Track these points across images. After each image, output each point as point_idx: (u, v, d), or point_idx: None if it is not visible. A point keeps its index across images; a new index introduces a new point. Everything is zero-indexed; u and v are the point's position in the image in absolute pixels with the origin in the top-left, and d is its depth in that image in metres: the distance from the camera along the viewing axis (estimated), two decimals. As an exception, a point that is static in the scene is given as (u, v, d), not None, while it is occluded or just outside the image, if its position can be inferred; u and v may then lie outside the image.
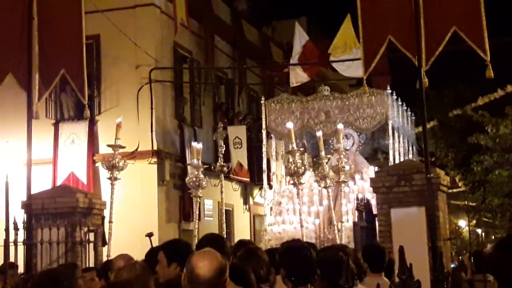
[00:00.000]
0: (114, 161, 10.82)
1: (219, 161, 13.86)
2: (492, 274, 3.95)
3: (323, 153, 12.33)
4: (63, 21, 9.77)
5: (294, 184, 11.95)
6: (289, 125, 12.41)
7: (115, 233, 13.36)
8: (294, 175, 11.63)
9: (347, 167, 11.77)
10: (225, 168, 13.53)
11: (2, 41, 9.72)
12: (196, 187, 12.13)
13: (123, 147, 11.14)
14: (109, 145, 11.14)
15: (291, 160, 11.93)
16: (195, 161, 12.01)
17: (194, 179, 11.88)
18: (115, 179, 10.88)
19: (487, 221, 23.76)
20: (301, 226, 12.50)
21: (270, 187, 17.20)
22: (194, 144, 12.38)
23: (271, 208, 16.60)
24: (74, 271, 7.75)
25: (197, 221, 12.36)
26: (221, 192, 13.90)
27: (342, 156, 11.85)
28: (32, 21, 9.58)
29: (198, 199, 12.33)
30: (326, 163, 12.60)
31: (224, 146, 14.21)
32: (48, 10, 9.68)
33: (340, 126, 12.31)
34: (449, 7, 8.90)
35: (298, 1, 29.99)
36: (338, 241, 12.49)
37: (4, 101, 15.88)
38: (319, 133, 12.48)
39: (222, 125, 14.99)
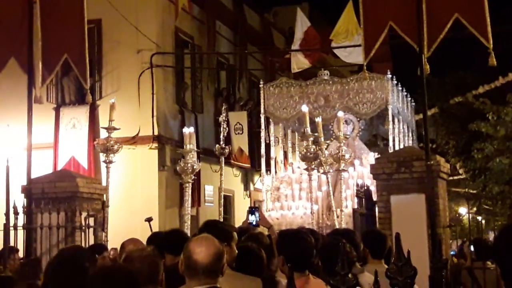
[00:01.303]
0: (108, 144, 10.67)
1: (221, 143, 13.69)
2: (495, 261, 3.97)
3: (322, 139, 12.22)
4: (65, 5, 9.78)
5: (307, 169, 11.72)
6: (304, 108, 12.23)
7: (116, 218, 13.42)
8: (306, 160, 11.48)
9: (347, 155, 11.71)
10: (226, 151, 13.39)
11: (4, 26, 9.72)
12: (187, 172, 11.98)
13: (118, 129, 11.05)
14: (103, 127, 11.06)
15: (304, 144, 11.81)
16: (188, 146, 11.87)
17: (182, 164, 11.75)
18: (110, 162, 10.78)
19: (488, 208, 23.71)
20: (312, 213, 12.43)
21: (269, 172, 17.20)
22: (185, 129, 12.21)
23: (270, 194, 16.61)
24: (103, 251, 7.83)
25: (188, 208, 12.24)
26: (221, 175, 13.84)
27: (342, 144, 11.78)
28: (34, 5, 9.58)
29: (187, 185, 12.17)
30: (326, 148, 12.53)
31: (227, 128, 14.08)
32: (50, -6, 9.67)
33: (340, 113, 12.27)
34: (451, -7, 8.89)
35: (300, -13, 29.82)
36: (336, 227, 12.47)
37: (5, 85, 15.86)
38: (318, 119, 12.40)
39: (226, 106, 14.85)
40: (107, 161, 10.75)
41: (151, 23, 17.19)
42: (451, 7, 8.81)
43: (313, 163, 11.54)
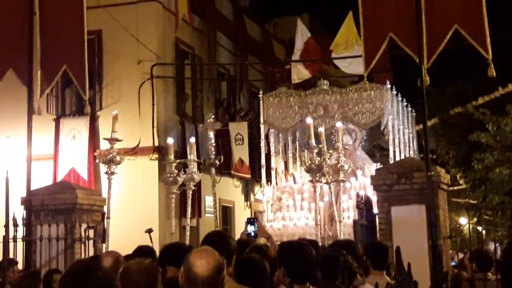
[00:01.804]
0: (111, 155, 10.63)
1: (211, 155, 13.40)
2: (501, 274, 3.96)
3: (325, 149, 12.17)
4: (65, 16, 9.77)
5: (311, 181, 11.69)
6: (309, 120, 12.20)
7: (116, 229, 13.38)
8: (311, 172, 11.43)
9: (346, 166, 11.68)
10: (216, 161, 13.28)
11: (3, 36, 9.72)
12: (171, 183, 11.93)
13: (120, 140, 11.03)
14: (105, 139, 11.03)
15: (309, 156, 11.76)
16: (172, 157, 11.84)
17: (168, 175, 11.72)
18: (112, 173, 10.75)
19: (488, 219, 23.68)
20: (317, 224, 12.39)
21: (270, 183, 17.16)
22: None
23: (271, 205, 16.57)
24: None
25: (173, 218, 12.22)
26: (213, 186, 13.74)
27: (341, 154, 11.75)
28: (34, 16, 9.58)
29: (174, 196, 12.11)
30: (329, 158, 12.46)
31: (213, 138, 13.84)
32: (50, 5, 9.68)
33: (339, 124, 12.23)
34: (451, 4, 8.91)
35: (301, -2, 29.97)
36: (338, 238, 12.45)
37: (4, 96, 15.86)
38: (321, 129, 12.34)
39: (212, 115, 14.71)
40: (109, 172, 10.71)
41: (151, 34, 17.21)
42: (451, 18, 8.82)
43: (317, 174, 11.53)
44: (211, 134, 13.31)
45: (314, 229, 14.87)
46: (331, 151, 13.49)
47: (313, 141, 11.50)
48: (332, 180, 12.35)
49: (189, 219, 13.42)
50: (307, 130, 12.30)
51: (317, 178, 11.53)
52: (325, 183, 12.62)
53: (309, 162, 11.42)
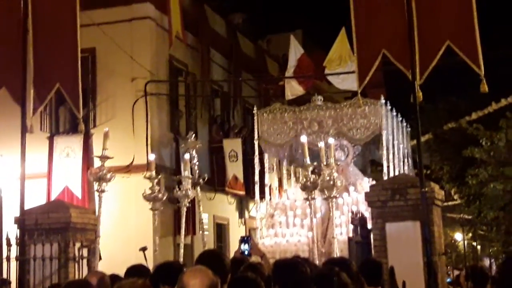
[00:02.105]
0: (101, 173, 10.54)
1: (194, 174, 13.29)
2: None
3: (324, 163, 11.87)
4: (59, 34, 9.77)
5: (306, 199, 11.58)
6: (303, 138, 12.07)
7: (110, 247, 13.34)
8: (306, 189, 11.35)
9: (339, 182, 11.60)
10: (200, 180, 13.19)
11: (-4, 55, 9.71)
12: (152, 200, 11.81)
13: (111, 158, 10.96)
14: (96, 156, 10.95)
15: (303, 174, 11.68)
16: (152, 173, 11.74)
17: (149, 191, 11.65)
18: (103, 191, 10.62)
19: (483, 234, 23.69)
20: (313, 241, 12.27)
21: (264, 199, 17.11)
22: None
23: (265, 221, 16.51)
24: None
25: (157, 237, 12.12)
26: (198, 205, 13.62)
27: (333, 170, 11.64)
28: (27, 34, 9.58)
29: (156, 213, 12.01)
30: (312, 172, 12.25)
31: (195, 156, 13.73)
32: (43, 23, 9.68)
33: (331, 140, 12.17)
34: (443, 21, 8.93)
35: (294, 15, 30.04)
36: (332, 255, 12.37)
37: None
38: (321, 144, 12.14)
39: (193, 133, 14.58)
40: (100, 190, 10.60)
41: (145, 52, 17.24)
42: (443, 34, 8.86)
43: (312, 192, 11.42)
44: (193, 153, 13.24)
45: (307, 246, 14.83)
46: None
47: (307, 159, 11.41)
48: (326, 196, 12.25)
49: (183, 237, 13.35)
50: (301, 148, 12.19)
51: (312, 196, 11.43)
52: (324, 198, 12.46)
53: (304, 179, 11.32)
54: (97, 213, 11.22)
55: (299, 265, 5.43)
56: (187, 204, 13.05)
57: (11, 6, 9.66)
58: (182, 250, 13.21)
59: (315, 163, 11.78)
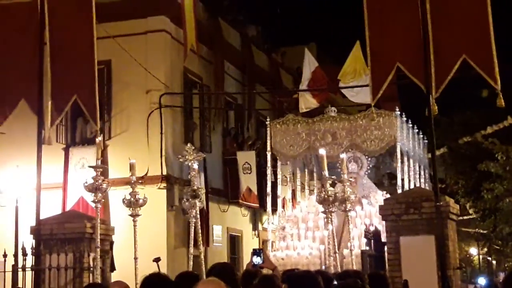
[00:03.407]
0: (97, 183, 10.40)
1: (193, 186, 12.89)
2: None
3: (345, 176, 11.73)
4: (75, 46, 9.87)
5: (324, 212, 11.40)
6: (322, 151, 11.90)
7: (124, 258, 13.35)
8: (324, 202, 11.17)
9: (352, 197, 11.48)
10: (199, 193, 12.94)
11: (15, 67, 9.83)
12: (131, 205, 11.34)
13: (105, 167, 10.97)
14: (90, 166, 10.80)
15: (319, 187, 11.53)
16: (133, 178, 11.47)
17: (128, 196, 11.37)
18: (99, 201, 10.49)
19: (498, 249, 23.58)
20: (329, 254, 11.97)
21: (276, 211, 16.99)
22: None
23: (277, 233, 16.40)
24: None
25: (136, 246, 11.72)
26: (195, 217, 13.28)
27: (347, 185, 11.52)
28: (44, 46, 9.68)
29: (136, 218, 11.61)
30: (330, 185, 12.10)
31: (196, 169, 13.49)
32: (60, 35, 9.79)
33: (343, 155, 12.05)
34: (459, 35, 8.93)
35: (308, 28, 30.12)
36: (344, 268, 12.25)
37: (14, 126, 15.93)
38: (343, 155, 12.05)
39: (193, 147, 14.06)
40: (96, 200, 10.44)
41: (160, 64, 17.32)
42: (459, 48, 8.86)
43: (330, 205, 11.22)
44: (195, 165, 13.08)
45: (318, 259, 14.69)
46: (334, 177, 13.18)
47: (326, 172, 11.28)
48: (339, 209, 12.14)
49: (191, 248, 13.26)
50: (320, 161, 12.01)
51: (330, 209, 11.28)
52: (343, 210, 12.29)
53: (322, 193, 11.18)
54: (114, 225, 11.27)
55: (312, 277, 5.43)
56: (194, 215, 12.86)
57: (29, 19, 9.77)
58: (191, 262, 13.16)
59: (333, 176, 11.67)
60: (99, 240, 10.32)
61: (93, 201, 10.67)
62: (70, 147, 17.04)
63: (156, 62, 17.19)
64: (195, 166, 13.02)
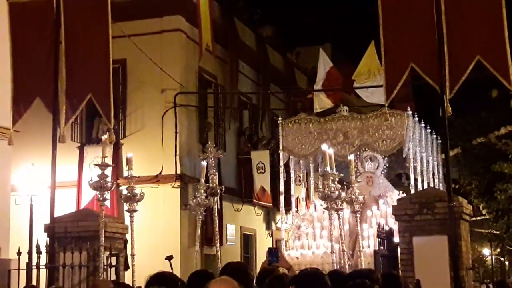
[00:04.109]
0: (102, 181, 10.30)
1: (213, 184, 12.78)
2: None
3: (353, 177, 11.45)
4: (91, 45, 9.92)
5: (327, 209, 11.10)
6: (324, 146, 11.73)
7: (138, 256, 13.39)
8: (327, 199, 10.83)
9: (360, 198, 11.27)
10: (218, 190, 12.80)
11: (30, 66, 9.90)
12: (128, 200, 11.03)
13: (110, 166, 10.86)
14: (96, 164, 10.63)
15: (324, 183, 11.16)
16: (130, 172, 11.04)
17: (125, 191, 11.21)
18: (104, 200, 10.37)
19: (511, 249, 23.49)
20: (342, 250, 11.42)
21: (290, 211, 16.97)
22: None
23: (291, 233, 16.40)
24: None
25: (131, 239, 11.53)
26: (212, 216, 13.26)
27: (355, 186, 11.29)
28: (60, 45, 9.74)
29: (133, 214, 11.39)
30: (336, 182, 11.76)
31: (215, 166, 13.37)
32: (76, 34, 9.84)
33: (351, 157, 11.87)
34: (473, 35, 8.93)
35: (323, 28, 30.07)
36: (358, 267, 12.24)
37: (29, 124, 16.02)
38: (351, 157, 11.89)
39: (212, 144, 13.85)
40: (101, 199, 10.35)
41: (175, 63, 17.37)
42: (473, 49, 8.85)
43: (336, 202, 11.04)
44: (212, 162, 12.95)
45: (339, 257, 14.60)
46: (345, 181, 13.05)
47: (328, 168, 10.96)
48: (350, 210, 12.04)
49: (197, 245, 13.24)
50: (323, 156, 11.83)
51: (334, 206, 11.04)
52: (351, 211, 12.16)
53: (324, 189, 10.82)
54: (128, 223, 11.26)
55: (322, 277, 5.43)
56: (202, 213, 12.81)
57: (45, 18, 9.84)
58: (195, 260, 13.14)
59: (341, 174, 11.52)
60: (103, 238, 10.20)
61: (97, 199, 10.58)
62: (85, 145, 17.14)
63: (171, 62, 17.24)
64: (212, 164, 12.99)
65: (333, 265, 11.06)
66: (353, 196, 11.08)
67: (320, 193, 11.06)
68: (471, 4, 9.01)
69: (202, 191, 12.57)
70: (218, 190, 12.83)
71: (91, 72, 9.92)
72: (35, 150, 16.00)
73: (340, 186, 10.88)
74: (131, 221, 10.91)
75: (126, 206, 11.08)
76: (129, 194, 10.71)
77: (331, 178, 10.81)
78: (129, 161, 10.88)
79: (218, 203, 17.72)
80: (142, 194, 10.90)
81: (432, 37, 8.88)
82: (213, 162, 12.99)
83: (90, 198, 16.36)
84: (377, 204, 15.75)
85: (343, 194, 10.86)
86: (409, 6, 9.27)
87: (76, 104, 9.85)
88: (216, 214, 13.37)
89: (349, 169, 11.53)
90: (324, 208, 11.59)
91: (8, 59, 9.98)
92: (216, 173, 13.18)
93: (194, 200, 12.66)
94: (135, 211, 10.75)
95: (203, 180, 12.75)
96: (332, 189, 10.64)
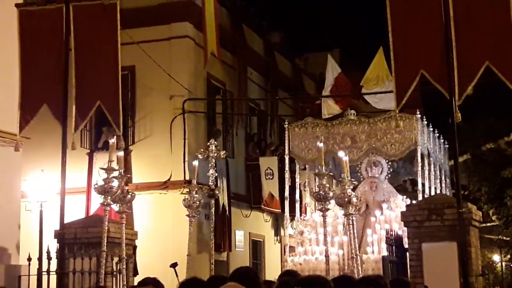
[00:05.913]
0: (106, 186, 10.03)
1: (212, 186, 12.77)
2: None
3: (344, 175, 10.73)
4: (100, 52, 9.95)
5: (321, 210, 10.69)
6: (341, 154, 11.42)
7: (146, 262, 13.44)
8: (321, 200, 10.35)
9: (354, 199, 10.92)
10: (216, 192, 12.61)
11: (38, 73, 9.93)
12: (102, 192, 10.30)
13: (116, 170, 10.67)
14: (102, 168, 10.48)
15: (318, 183, 10.75)
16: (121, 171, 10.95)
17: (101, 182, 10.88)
18: (108, 204, 10.13)
19: (521, 256, 23.43)
20: (326, 256, 11.18)
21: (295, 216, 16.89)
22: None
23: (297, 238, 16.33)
24: None
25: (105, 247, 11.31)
26: (211, 218, 13.17)
27: (348, 187, 10.92)
28: (69, 52, 9.78)
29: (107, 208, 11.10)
30: (353, 189, 11.52)
31: (215, 164, 13.30)
32: (85, 41, 9.87)
33: (341, 154, 11.41)
34: (482, 41, 8.91)
35: (331, 34, 30.08)
36: (362, 274, 12.03)
37: (39, 131, 16.09)
38: (341, 154, 11.62)
39: (214, 143, 13.62)
40: (105, 203, 10.12)
41: (183, 70, 17.42)
42: (482, 55, 8.83)
43: (327, 203, 10.59)
44: (213, 162, 12.83)
45: (337, 264, 14.53)
46: (355, 183, 12.76)
47: (323, 168, 10.43)
48: (355, 211, 11.69)
49: (187, 249, 13.04)
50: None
51: (326, 207, 10.71)
52: (344, 214, 11.84)
53: (317, 189, 10.35)
54: (137, 229, 11.28)
55: (326, 282, 5.40)
56: (194, 215, 12.58)
57: (54, 25, 9.87)
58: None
59: (355, 182, 11.36)
60: (105, 243, 10.02)
61: (102, 204, 10.32)
62: (94, 152, 17.18)
63: (179, 68, 17.30)
64: (213, 165, 12.88)
65: (328, 271, 10.65)
66: (346, 199, 10.48)
67: (314, 194, 10.52)
68: (479, 10, 9.00)
69: (194, 192, 12.35)
70: (216, 192, 12.70)
71: (100, 79, 9.94)
72: (45, 156, 16.08)
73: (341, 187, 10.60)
74: (105, 216, 10.34)
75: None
76: (105, 185, 10.07)
77: (325, 178, 10.43)
78: (119, 160, 10.59)
79: (227, 208, 17.78)
80: (133, 195, 10.69)
81: (441, 42, 8.88)
82: (214, 162, 12.87)
83: (99, 205, 16.38)
84: (381, 209, 15.64)
85: (331, 193, 10.37)
86: (418, 12, 9.26)
87: (85, 111, 9.87)
88: (213, 218, 13.20)
89: (360, 172, 11.43)
90: (318, 209, 11.37)
91: (17, 66, 10.02)
92: (224, 180, 13.21)
93: (184, 202, 12.38)
94: (109, 204, 10.23)
95: (194, 181, 12.54)
96: (327, 189, 10.21)
